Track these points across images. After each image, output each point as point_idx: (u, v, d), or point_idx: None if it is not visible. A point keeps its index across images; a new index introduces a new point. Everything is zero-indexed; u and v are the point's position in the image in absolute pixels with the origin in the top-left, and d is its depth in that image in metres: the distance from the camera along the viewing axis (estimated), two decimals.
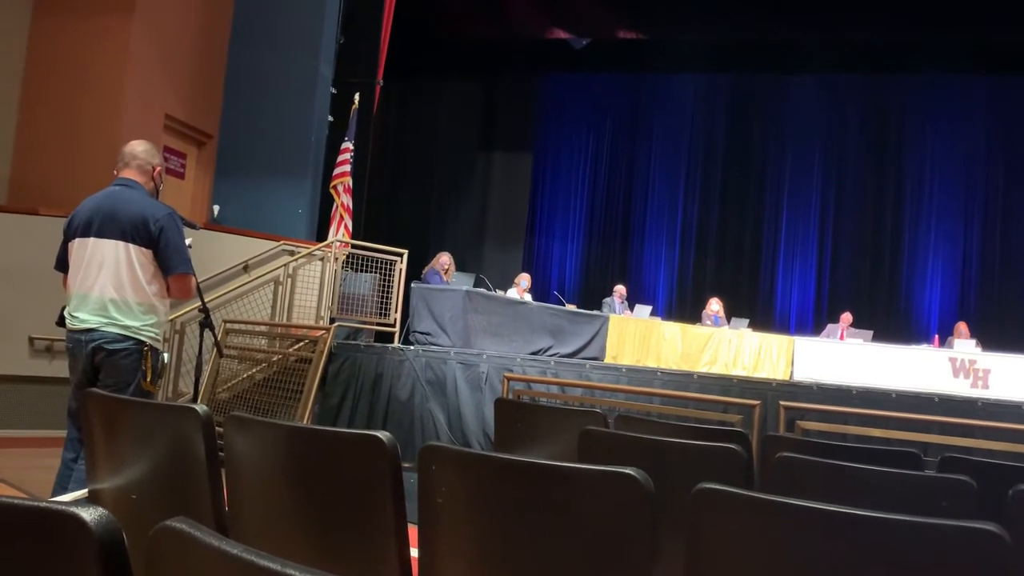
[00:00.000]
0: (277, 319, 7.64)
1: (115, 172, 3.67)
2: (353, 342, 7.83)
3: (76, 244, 3.54)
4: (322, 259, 7.91)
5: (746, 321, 10.56)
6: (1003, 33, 11.01)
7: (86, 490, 2.21)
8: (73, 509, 0.90)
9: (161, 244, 3.49)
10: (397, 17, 9.82)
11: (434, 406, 7.18)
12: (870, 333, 10.02)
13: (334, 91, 9.43)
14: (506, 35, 12.78)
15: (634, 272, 13.83)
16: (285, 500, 1.91)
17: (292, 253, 7.86)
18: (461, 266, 10.77)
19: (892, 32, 11.52)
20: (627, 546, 1.56)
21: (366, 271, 8.04)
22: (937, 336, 10.84)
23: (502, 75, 14.30)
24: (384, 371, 7.33)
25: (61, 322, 3.59)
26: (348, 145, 8.71)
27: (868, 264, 12.98)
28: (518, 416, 3.62)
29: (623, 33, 12.43)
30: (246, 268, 7.64)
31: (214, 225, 8.25)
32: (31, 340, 6.57)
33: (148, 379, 3.53)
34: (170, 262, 3.52)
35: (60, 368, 4.21)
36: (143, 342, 3.52)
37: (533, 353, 8.34)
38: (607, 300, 10.95)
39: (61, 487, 3.37)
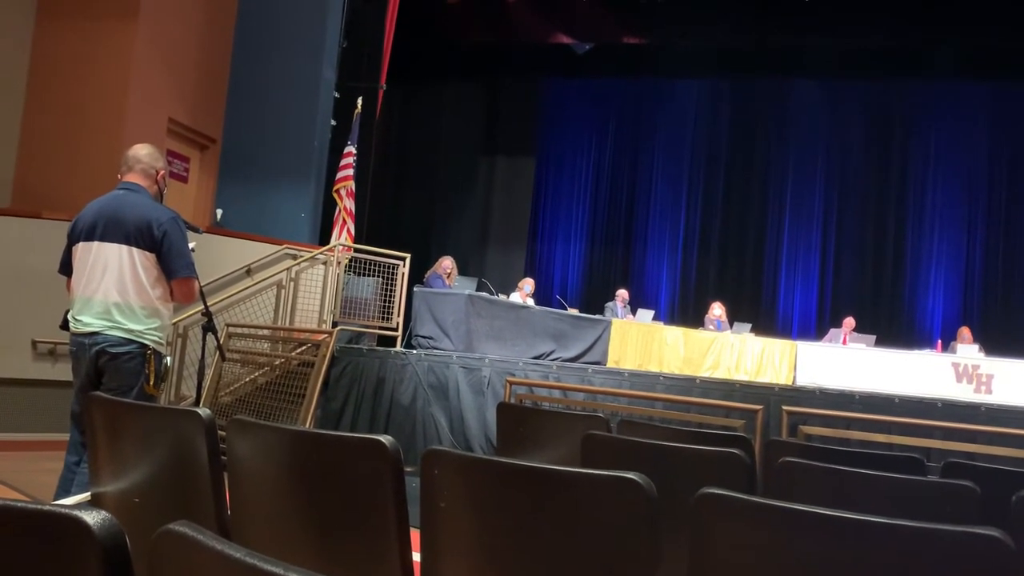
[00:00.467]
0: (280, 323, 7.65)
1: (119, 176, 3.67)
2: (356, 346, 7.84)
3: (80, 248, 3.54)
4: (325, 263, 7.92)
5: (748, 326, 10.56)
6: (1007, 40, 10.99)
7: (89, 493, 2.21)
8: (76, 512, 0.90)
9: (164, 248, 3.50)
10: (400, 21, 9.83)
11: (436, 410, 7.18)
12: (873, 338, 10.01)
13: (337, 95, 9.44)
14: (509, 40, 12.80)
15: (636, 276, 13.82)
16: (287, 504, 1.91)
17: (295, 257, 7.86)
18: (463, 270, 10.77)
19: (895, 38, 11.51)
20: (630, 551, 1.55)
21: (369, 275, 8.05)
22: (940, 341, 10.81)
23: (505, 79, 14.30)
24: (386, 375, 7.34)
25: (65, 325, 3.60)
26: (351, 149, 8.72)
27: (871, 269, 12.95)
28: (520, 420, 3.61)
29: (626, 38, 12.44)
30: (249, 272, 7.65)
31: (217, 229, 8.26)
32: (34, 343, 6.57)
33: (151, 383, 3.53)
34: (173, 266, 3.52)
35: (63, 371, 4.21)
36: (146, 346, 3.52)
37: (535, 357, 8.34)
38: (609, 304, 10.95)
39: (64, 490, 3.37)
